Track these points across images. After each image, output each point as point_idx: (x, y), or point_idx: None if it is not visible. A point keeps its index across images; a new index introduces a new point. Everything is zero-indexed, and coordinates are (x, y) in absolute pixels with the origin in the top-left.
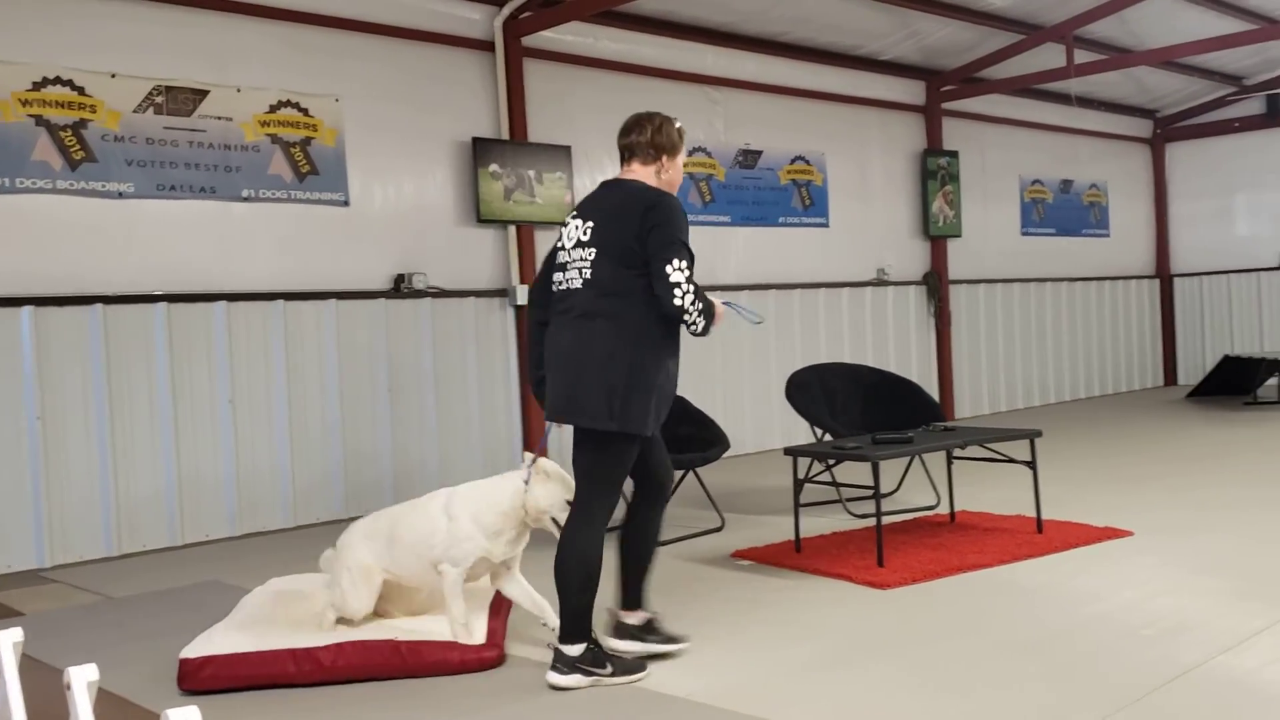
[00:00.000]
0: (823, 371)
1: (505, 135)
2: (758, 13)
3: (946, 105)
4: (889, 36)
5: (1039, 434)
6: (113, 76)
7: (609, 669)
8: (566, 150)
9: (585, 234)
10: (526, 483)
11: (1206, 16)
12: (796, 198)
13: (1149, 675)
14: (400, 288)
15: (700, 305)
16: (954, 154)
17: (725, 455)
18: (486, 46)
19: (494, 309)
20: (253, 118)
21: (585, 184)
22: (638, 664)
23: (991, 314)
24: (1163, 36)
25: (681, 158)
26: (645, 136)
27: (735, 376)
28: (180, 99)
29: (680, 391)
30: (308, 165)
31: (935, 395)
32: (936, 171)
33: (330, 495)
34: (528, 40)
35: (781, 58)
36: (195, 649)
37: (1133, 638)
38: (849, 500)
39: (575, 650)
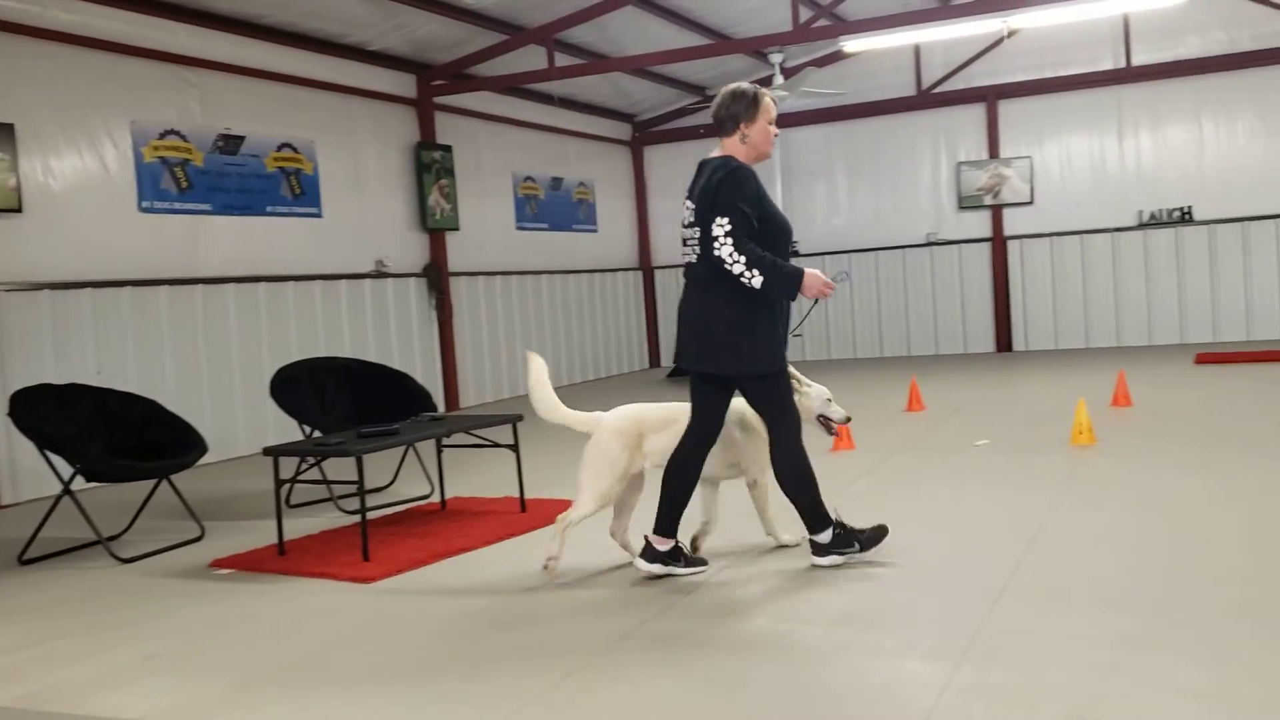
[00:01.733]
0: (312, 366)
1: None
2: None
3: (439, 100)
4: (376, 27)
5: (520, 418)
6: None
7: (856, 547)
8: (9, 129)
9: (691, 215)
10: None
11: (671, 30)
12: (285, 186)
13: (602, 636)
14: None
15: (744, 258)
16: (448, 148)
17: (213, 459)
18: None
19: None
20: None
21: (35, 166)
22: (879, 530)
23: (491, 305)
24: (636, 45)
25: (764, 118)
26: (722, 111)
27: (224, 374)
28: None
29: (156, 393)
30: None
31: (440, 387)
32: (431, 165)
33: None
34: None
35: (263, 41)
36: None
37: (595, 603)
38: (341, 497)
39: (825, 535)
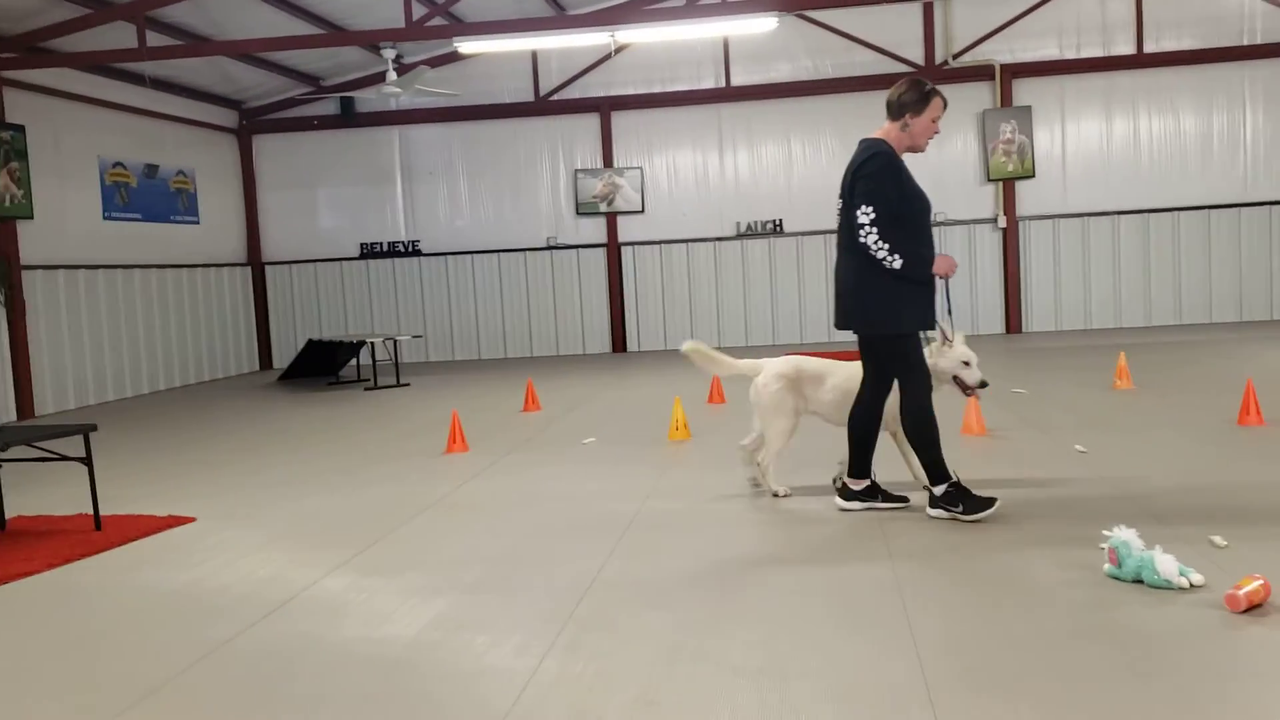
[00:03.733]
0: None
1: None
2: None
3: (8, 75)
4: None
5: (94, 428)
6: None
7: (960, 507)
8: None
9: (841, 188)
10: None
11: (280, 16)
12: None
13: (182, 656)
14: None
15: (887, 245)
16: (20, 128)
17: None
18: None
19: None
20: None
21: None
22: (987, 501)
23: (74, 302)
24: (241, 29)
25: (929, 114)
26: (895, 96)
27: None
28: None
29: None
30: None
31: (10, 393)
32: (0, 146)
33: None
34: None
35: None
36: None
37: (176, 620)
38: None
39: (939, 489)
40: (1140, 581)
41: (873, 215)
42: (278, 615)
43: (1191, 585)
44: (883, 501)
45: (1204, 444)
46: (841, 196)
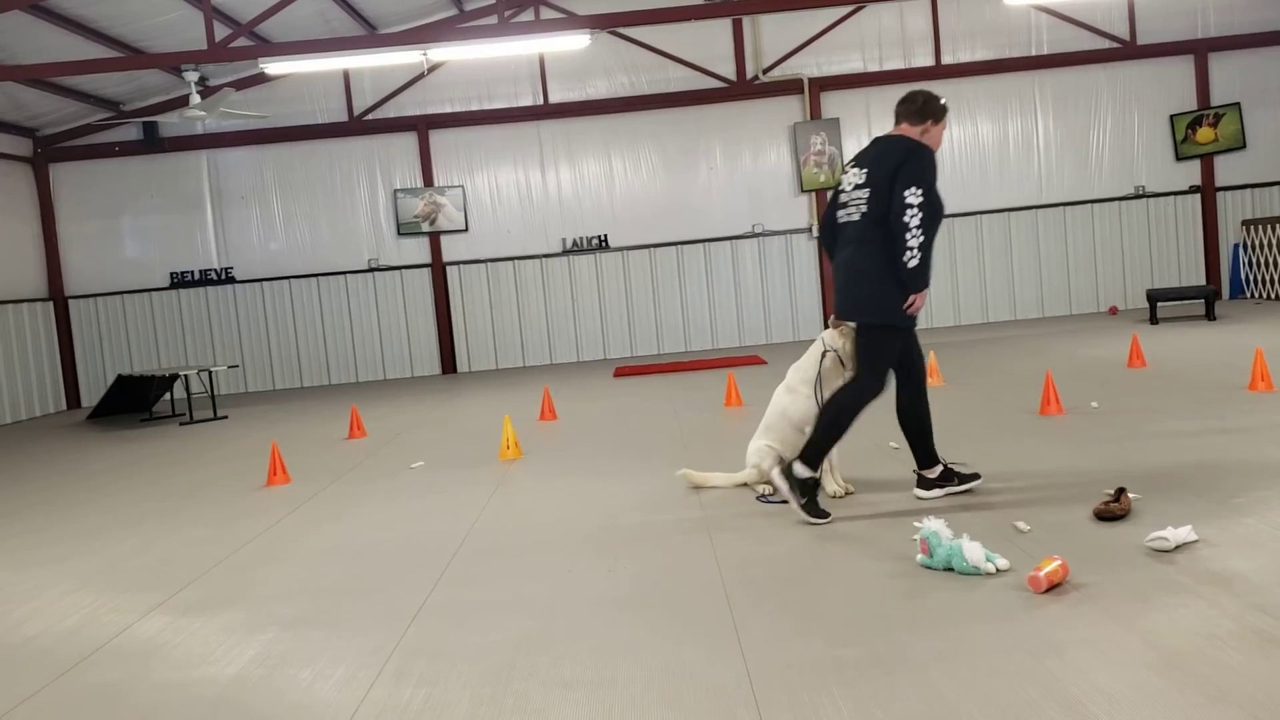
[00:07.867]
0: None
1: None
2: None
3: None
4: None
5: None
6: None
7: (804, 501)
8: None
9: (861, 179)
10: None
11: (72, 39)
12: None
13: None
14: None
15: (922, 238)
16: None
17: None
18: None
19: None
20: None
21: None
22: (823, 513)
23: None
24: (31, 54)
25: (943, 126)
26: (915, 105)
27: None
28: None
29: None
30: None
31: None
32: None
33: None
34: None
35: None
36: None
37: None
38: None
39: (803, 472)
40: (951, 569)
41: (920, 199)
42: (88, 664)
43: (998, 570)
44: (959, 484)
45: (1008, 435)
46: (868, 185)
